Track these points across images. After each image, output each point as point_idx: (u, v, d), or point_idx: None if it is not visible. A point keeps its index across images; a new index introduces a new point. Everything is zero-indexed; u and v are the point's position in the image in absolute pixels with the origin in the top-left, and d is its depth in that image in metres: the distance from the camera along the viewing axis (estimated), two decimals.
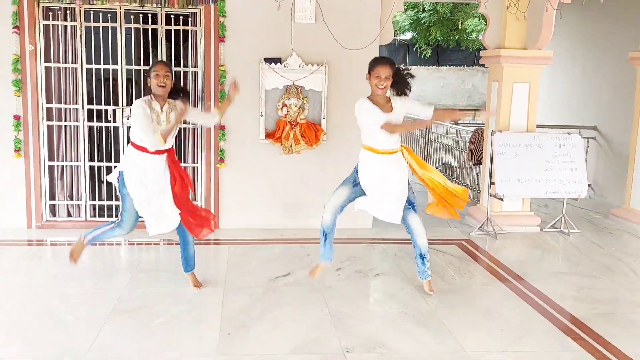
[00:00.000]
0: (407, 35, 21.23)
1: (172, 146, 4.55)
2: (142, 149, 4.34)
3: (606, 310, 4.54)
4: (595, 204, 8.47)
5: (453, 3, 17.17)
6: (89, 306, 4.37)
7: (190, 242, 4.74)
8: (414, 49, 20.23)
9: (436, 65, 20.23)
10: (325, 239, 4.70)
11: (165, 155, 4.45)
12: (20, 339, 3.83)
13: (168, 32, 6.31)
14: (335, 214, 4.69)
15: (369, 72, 4.42)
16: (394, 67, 4.40)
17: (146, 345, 3.76)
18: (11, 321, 4.10)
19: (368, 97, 4.46)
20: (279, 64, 6.37)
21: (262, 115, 6.43)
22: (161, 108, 4.37)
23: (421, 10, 18.06)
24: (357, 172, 4.67)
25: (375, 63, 4.40)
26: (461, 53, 20.04)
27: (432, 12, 17.80)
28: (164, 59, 6.28)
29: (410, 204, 4.66)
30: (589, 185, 9.21)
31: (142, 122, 4.23)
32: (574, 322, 4.28)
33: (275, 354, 3.70)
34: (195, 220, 4.62)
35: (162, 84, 4.31)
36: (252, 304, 4.50)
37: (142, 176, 4.36)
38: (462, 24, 17.70)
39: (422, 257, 4.74)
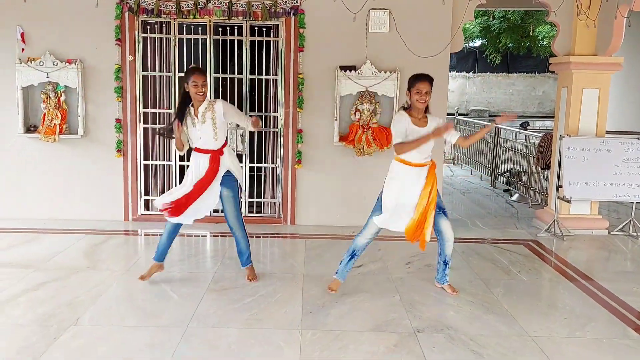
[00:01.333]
0: (477, 43, 21.27)
1: (219, 148, 4.75)
2: (196, 149, 4.80)
3: None
4: None
5: (524, 10, 17.14)
6: (188, 286, 4.90)
7: (238, 238, 5.02)
8: (484, 55, 20.25)
9: (506, 72, 20.17)
10: (350, 259, 4.88)
11: (208, 155, 4.73)
12: (138, 312, 4.38)
13: (252, 42, 6.86)
14: (370, 240, 4.90)
15: (409, 89, 4.56)
16: (432, 83, 4.56)
17: (239, 316, 4.25)
18: (128, 298, 4.67)
19: (406, 111, 4.60)
20: (353, 71, 6.79)
21: (336, 120, 6.86)
22: (196, 111, 4.68)
23: (491, 17, 18.10)
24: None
25: (415, 79, 4.54)
26: (532, 60, 19.88)
27: (502, 19, 17.81)
28: (248, 68, 6.83)
29: (440, 210, 4.79)
30: None
31: None
32: (636, 315, 4.47)
33: (356, 330, 4.09)
34: None
35: (200, 93, 4.60)
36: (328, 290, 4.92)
37: (192, 169, 4.80)
38: (533, 30, 17.61)
39: (445, 263, 4.90)
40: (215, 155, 4.74)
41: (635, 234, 6.88)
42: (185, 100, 4.74)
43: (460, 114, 15.79)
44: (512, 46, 18.99)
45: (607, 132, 8.30)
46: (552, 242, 6.65)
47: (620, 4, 6.15)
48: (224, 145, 4.79)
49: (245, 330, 4.03)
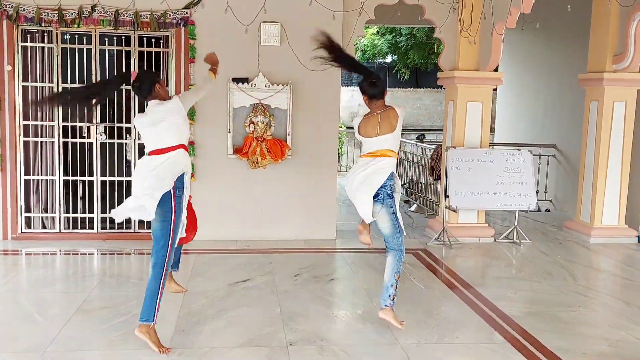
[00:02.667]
0: (389, 59, 21.82)
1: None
2: None
3: (537, 310, 4.91)
4: (555, 218, 8.90)
5: (428, 28, 17.71)
6: (57, 307, 4.67)
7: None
8: (394, 71, 20.78)
9: (414, 87, 20.79)
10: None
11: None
12: None
13: (141, 53, 6.70)
14: None
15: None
16: (384, 91, 4.62)
17: (104, 338, 4.09)
18: None
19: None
20: (246, 83, 6.77)
21: (229, 132, 6.80)
22: None
23: (398, 34, 18.62)
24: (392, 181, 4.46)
25: (367, 95, 4.62)
26: None
27: (408, 36, 18.36)
28: None
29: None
30: (550, 201, 9.71)
31: None
32: (504, 319, 4.64)
33: (226, 347, 4.02)
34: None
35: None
36: (210, 305, 4.83)
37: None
38: (437, 47, 18.25)
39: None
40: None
41: (518, 241, 7.18)
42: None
43: None
44: (421, 62, 19.61)
45: (498, 144, 8.71)
46: (441, 250, 6.83)
47: (496, 22, 6.44)
48: None
49: (107, 352, 3.88)
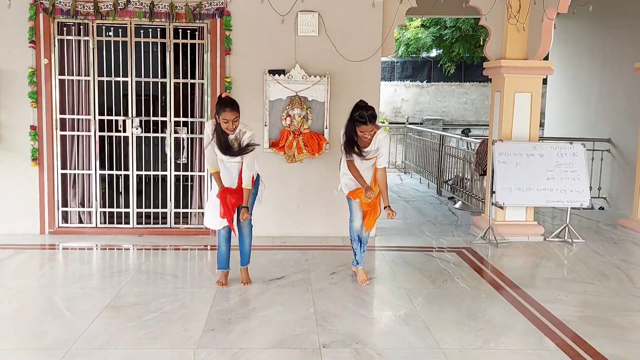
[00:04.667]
0: (434, 53, 21.34)
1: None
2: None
3: (590, 313, 4.56)
4: (608, 216, 8.42)
5: (474, 19, 17.19)
6: (87, 303, 4.57)
7: (243, 237, 5.08)
8: (438, 65, 20.29)
9: (460, 82, 20.25)
10: (360, 244, 5.20)
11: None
12: (21, 332, 4.05)
13: (176, 45, 6.59)
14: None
15: (353, 122, 4.87)
16: (375, 120, 4.86)
17: (132, 335, 3.94)
18: (15, 317, 4.33)
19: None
20: (282, 75, 6.57)
21: (266, 125, 6.62)
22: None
23: (443, 27, 18.14)
24: None
25: (359, 120, 4.80)
26: None
27: (454, 28, 17.86)
28: (172, 71, 6.55)
29: None
30: (604, 198, 9.20)
31: None
32: (555, 323, 4.31)
33: (256, 347, 3.82)
34: None
35: (230, 129, 4.63)
36: (242, 303, 4.65)
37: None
38: (484, 40, 17.67)
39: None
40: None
41: (570, 240, 6.77)
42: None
43: (411, 123, 15.72)
44: (468, 56, 19.08)
45: (549, 138, 8.27)
46: (487, 249, 6.50)
47: (546, 7, 6.06)
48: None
49: (133, 351, 3.73)
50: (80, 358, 3.61)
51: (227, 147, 4.70)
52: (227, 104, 4.60)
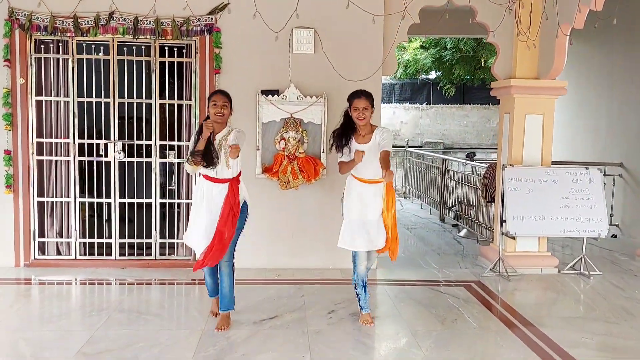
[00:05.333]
0: (433, 75, 21.00)
1: (234, 177, 4.48)
2: (205, 176, 4.46)
3: (619, 358, 4.04)
4: (622, 244, 7.93)
5: (475, 40, 16.90)
6: (55, 349, 4.06)
7: (222, 276, 4.57)
8: (438, 87, 19.92)
9: (460, 104, 19.85)
10: (365, 288, 4.75)
11: (223, 185, 4.42)
12: None
13: (162, 64, 6.15)
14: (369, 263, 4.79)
15: (349, 106, 4.61)
16: (370, 98, 4.58)
17: None
18: None
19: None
20: (276, 96, 6.13)
21: (258, 149, 6.17)
22: (214, 136, 4.40)
23: (443, 48, 17.81)
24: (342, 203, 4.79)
25: (352, 97, 4.58)
26: (486, 91, 19.41)
27: (454, 50, 17.51)
28: (157, 91, 6.11)
29: None
30: (616, 225, 8.72)
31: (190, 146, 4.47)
32: None
33: None
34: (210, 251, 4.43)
35: (219, 114, 4.39)
36: (230, 348, 4.15)
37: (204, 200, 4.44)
38: (485, 62, 17.34)
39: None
40: (233, 185, 4.44)
41: (586, 272, 6.28)
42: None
43: (411, 146, 15.28)
44: (468, 78, 18.73)
45: (557, 163, 7.81)
46: (497, 282, 6.00)
47: (561, 23, 5.64)
48: (239, 174, 4.52)
49: None
50: None
51: (209, 156, 4.33)
52: (218, 90, 4.64)
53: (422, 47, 18.47)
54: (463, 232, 8.62)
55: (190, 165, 4.39)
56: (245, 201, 4.59)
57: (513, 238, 6.18)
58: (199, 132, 4.44)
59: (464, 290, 5.69)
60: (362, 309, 4.73)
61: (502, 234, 6.25)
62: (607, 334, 4.59)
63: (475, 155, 9.96)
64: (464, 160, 9.54)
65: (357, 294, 4.75)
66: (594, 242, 7.54)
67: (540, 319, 4.89)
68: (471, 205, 8.77)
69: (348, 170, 4.62)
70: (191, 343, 4.22)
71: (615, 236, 8.76)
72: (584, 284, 6.04)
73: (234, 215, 4.41)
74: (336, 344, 4.25)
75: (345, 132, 4.64)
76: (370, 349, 4.31)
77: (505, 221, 6.17)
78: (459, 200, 9.40)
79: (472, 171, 8.98)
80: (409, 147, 14.69)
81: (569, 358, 4.07)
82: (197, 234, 4.46)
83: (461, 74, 18.34)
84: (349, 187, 4.72)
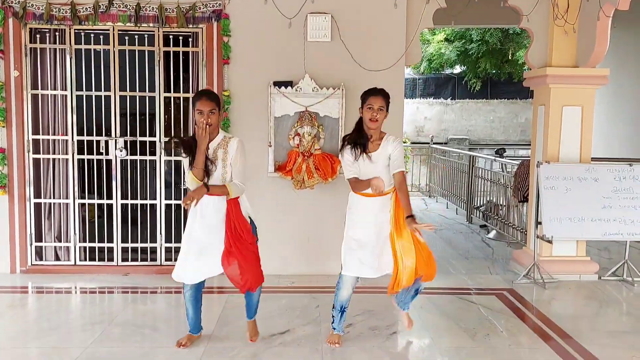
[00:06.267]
0: (457, 69, 20.39)
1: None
2: None
3: None
4: None
5: (502, 32, 16.26)
6: None
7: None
8: (463, 82, 19.29)
9: (487, 99, 19.17)
10: (342, 314, 4.19)
11: (220, 198, 3.86)
12: None
13: (166, 54, 5.73)
14: (353, 288, 4.18)
15: (362, 105, 4.06)
16: (387, 99, 4.04)
17: None
18: None
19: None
20: (290, 87, 5.67)
21: (270, 146, 5.71)
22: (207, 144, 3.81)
23: (469, 41, 17.19)
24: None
25: (367, 94, 4.05)
26: (513, 86, 18.92)
27: (480, 42, 16.88)
28: (162, 84, 5.69)
29: None
30: None
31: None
32: None
33: None
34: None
35: (208, 124, 3.75)
36: None
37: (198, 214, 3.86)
38: (512, 55, 16.68)
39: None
40: (234, 200, 3.89)
41: (629, 278, 5.72)
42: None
43: (436, 143, 14.71)
44: (494, 72, 18.12)
45: (596, 159, 7.22)
46: (532, 290, 5.47)
47: (603, 3, 5.07)
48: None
49: None
50: None
51: (205, 169, 3.78)
52: (203, 92, 3.86)
53: (446, 40, 17.86)
54: (492, 234, 8.07)
55: (195, 183, 3.78)
56: (250, 217, 4.05)
57: (549, 242, 5.63)
58: (186, 147, 3.85)
59: (496, 300, 5.18)
60: (334, 329, 4.19)
61: (537, 237, 5.70)
62: None
63: (505, 152, 9.40)
64: (493, 157, 8.96)
65: (333, 316, 4.19)
66: (635, 244, 6.96)
67: (581, 333, 4.41)
68: (501, 205, 8.20)
69: (365, 188, 3.96)
70: None
71: None
72: (627, 292, 5.50)
73: (242, 231, 3.88)
74: None
75: (359, 141, 4.00)
76: None
77: (540, 223, 5.62)
78: (487, 199, 8.83)
79: (502, 168, 8.41)
80: (434, 143, 14.13)
81: None
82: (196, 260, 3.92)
83: (487, 68, 17.75)
84: (352, 202, 4.12)
